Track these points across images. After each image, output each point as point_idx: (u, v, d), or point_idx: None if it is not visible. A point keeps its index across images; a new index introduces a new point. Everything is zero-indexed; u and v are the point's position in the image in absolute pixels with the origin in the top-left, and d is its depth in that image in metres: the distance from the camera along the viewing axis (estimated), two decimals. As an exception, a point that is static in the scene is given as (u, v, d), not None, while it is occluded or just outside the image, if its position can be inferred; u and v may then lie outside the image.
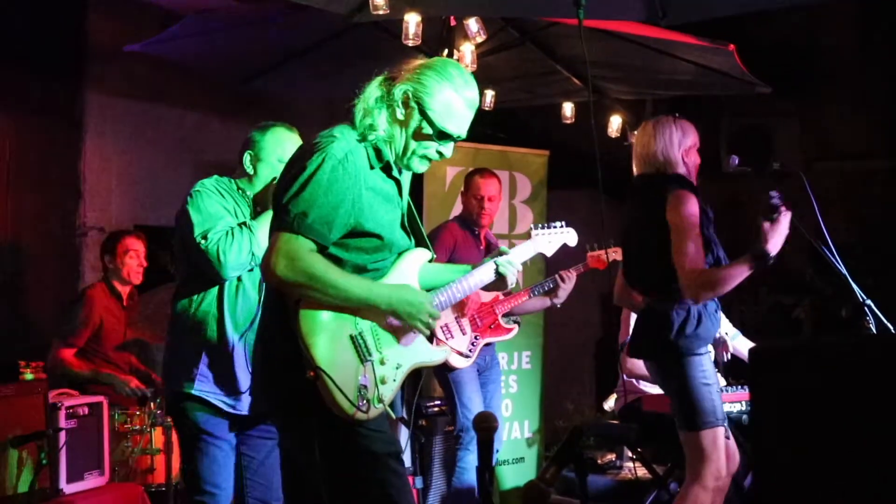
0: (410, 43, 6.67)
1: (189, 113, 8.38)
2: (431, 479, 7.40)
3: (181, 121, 8.31)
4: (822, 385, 3.14)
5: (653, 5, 6.10)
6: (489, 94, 8.17)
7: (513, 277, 4.11)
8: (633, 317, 6.89)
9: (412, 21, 6.58)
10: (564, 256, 6.95)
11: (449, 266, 4.17)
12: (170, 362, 4.64)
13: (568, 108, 8.58)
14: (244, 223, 4.51)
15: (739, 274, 4.94)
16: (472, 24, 6.94)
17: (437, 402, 7.47)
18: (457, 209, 7.74)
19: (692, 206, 4.99)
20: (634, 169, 5.34)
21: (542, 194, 8.68)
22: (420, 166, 3.86)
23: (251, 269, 4.53)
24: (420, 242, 3.95)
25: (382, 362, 3.72)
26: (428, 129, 3.76)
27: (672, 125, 5.21)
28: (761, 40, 8.74)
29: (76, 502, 5.50)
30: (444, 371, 6.79)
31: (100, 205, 7.69)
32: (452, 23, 7.19)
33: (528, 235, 8.42)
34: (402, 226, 3.86)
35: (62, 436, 5.48)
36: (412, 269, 3.87)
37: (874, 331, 4.98)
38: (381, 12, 6.04)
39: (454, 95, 3.75)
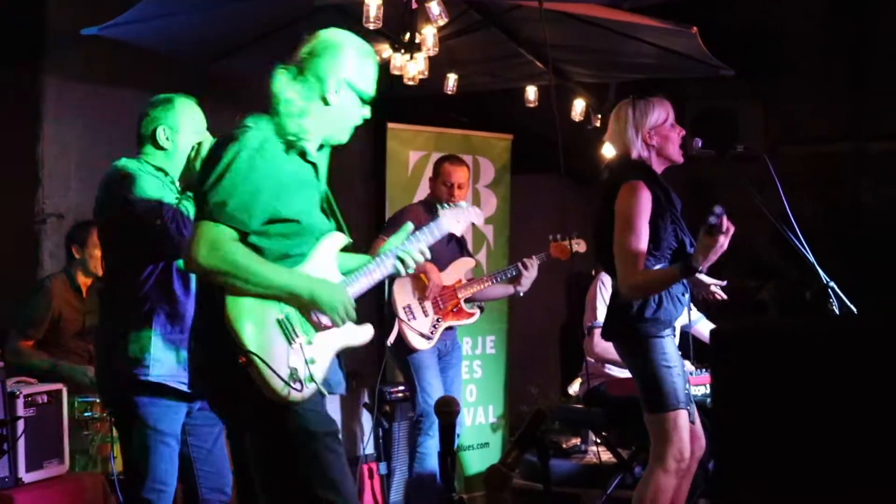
0: (371, 26, 6.64)
1: (150, 97, 8.32)
2: (395, 464, 7.40)
3: (142, 105, 8.26)
4: (783, 365, 3.16)
5: (615, -13, 6.11)
6: (452, 77, 8.15)
7: (411, 263, 4.14)
8: (599, 300, 6.93)
9: (373, 4, 6.56)
10: (528, 246, 6.98)
11: (351, 255, 4.18)
12: (110, 351, 4.54)
13: (531, 92, 8.57)
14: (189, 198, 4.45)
15: (669, 281, 5.03)
16: (434, 6, 6.90)
17: (401, 388, 7.47)
18: (420, 194, 7.75)
19: (639, 199, 5.00)
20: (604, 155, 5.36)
21: (506, 179, 8.69)
22: (348, 136, 4.05)
23: None
24: (338, 226, 4.04)
25: (310, 342, 3.79)
26: (358, 103, 3.98)
27: (628, 108, 5.21)
28: (725, 23, 8.77)
29: (36, 491, 5.48)
30: (403, 355, 6.82)
31: (59, 191, 7.61)
32: (414, 5, 7.17)
33: (491, 221, 8.53)
34: (322, 209, 3.97)
35: (21, 424, 5.44)
36: (331, 253, 3.95)
37: (837, 313, 5.02)
38: (342, -6, 6.03)
39: (370, 62, 4.03)
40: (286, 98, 3.84)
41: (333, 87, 3.88)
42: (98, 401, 6.05)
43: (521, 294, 7.07)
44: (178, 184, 4.63)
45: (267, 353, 3.64)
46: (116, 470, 5.83)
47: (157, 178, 4.59)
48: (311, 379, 3.73)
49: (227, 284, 3.64)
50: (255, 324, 3.66)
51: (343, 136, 4.01)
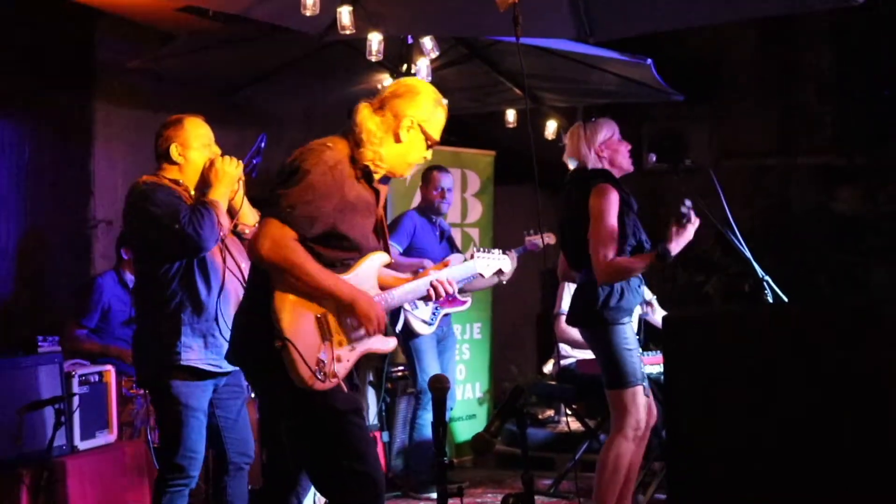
0: (374, 59, 6.65)
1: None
2: (395, 433, 7.40)
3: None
4: (724, 347, 3.17)
5: (581, 24, 6.12)
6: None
7: (441, 294, 4.04)
8: (567, 291, 6.93)
9: (375, 39, 6.56)
10: (509, 245, 6.97)
11: (390, 273, 4.09)
12: (147, 342, 4.51)
13: (510, 115, 8.58)
14: (204, 202, 4.41)
15: (641, 266, 5.03)
16: (427, 42, 6.93)
17: (400, 368, 7.47)
18: (416, 201, 7.73)
19: (610, 198, 5.02)
20: (569, 166, 5.38)
21: (490, 189, 8.69)
22: (409, 173, 3.98)
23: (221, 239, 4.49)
24: (385, 247, 3.97)
25: (340, 343, 3.72)
26: (425, 145, 3.88)
27: (581, 129, 5.27)
28: (675, 55, 8.77)
29: (89, 457, 5.48)
30: (407, 339, 6.82)
31: (108, 201, 7.61)
32: (410, 41, 7.18)
33: (477, 225, 8.52)
34: (374, 230, 3.88)
35: (76, 400, 5.44)
36: (373, 269, 3.87)
37: (770, 301, 5.02)
38: (347, 32, 6.04)
39: (441, 112, 3.89)
40: (366, 129, 3.76)
41: (406, 126, 3.80)
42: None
43: (504, 282, 7.03)
44: (192, 192, 4.60)
45: (301, 342, 3.58)
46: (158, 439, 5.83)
47: (173, 189, 4.56)
48: (334, 375, 3.67)
49: (281, 278, 3.61)
50: (296, 316, 3.61)
51: (405, 171, 3.93)
